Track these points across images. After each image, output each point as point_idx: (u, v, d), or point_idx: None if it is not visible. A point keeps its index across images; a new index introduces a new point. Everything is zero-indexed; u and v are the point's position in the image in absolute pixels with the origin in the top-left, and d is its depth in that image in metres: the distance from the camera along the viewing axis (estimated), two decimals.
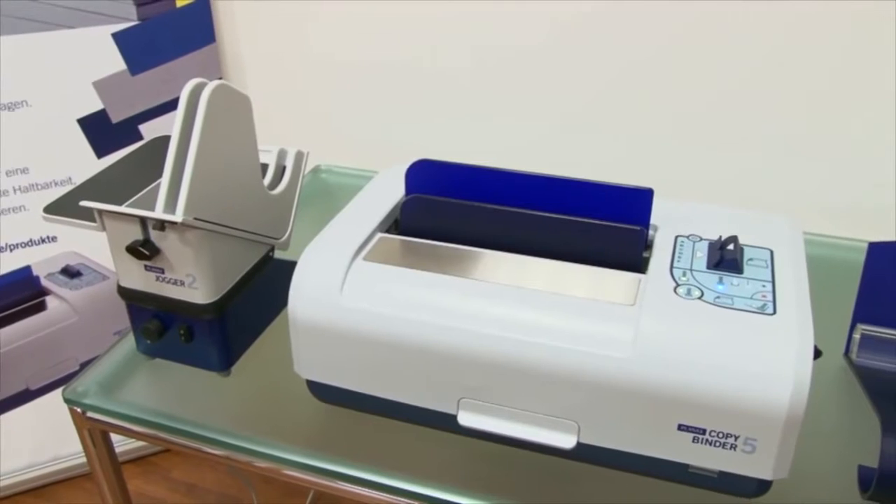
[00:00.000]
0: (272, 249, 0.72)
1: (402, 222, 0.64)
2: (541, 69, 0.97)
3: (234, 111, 0.63)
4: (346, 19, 1.03)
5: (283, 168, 0.73)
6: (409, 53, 1.02)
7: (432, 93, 1.03)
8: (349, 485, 0.60)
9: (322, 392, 0.62)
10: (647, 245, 0.60)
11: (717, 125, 0.92)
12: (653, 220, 0.61)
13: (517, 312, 0.54)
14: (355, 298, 0.57)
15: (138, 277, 0.64)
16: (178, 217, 0.58)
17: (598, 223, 0.59)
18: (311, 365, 0.61)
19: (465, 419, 0.57)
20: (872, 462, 0.56)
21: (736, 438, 0.51)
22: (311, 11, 1.04)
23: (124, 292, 0.66)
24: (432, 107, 1.04)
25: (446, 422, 0.58)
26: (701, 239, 0.60)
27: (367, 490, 0.59)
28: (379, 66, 1.05)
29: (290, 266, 0.60)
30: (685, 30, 0.89)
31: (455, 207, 0.62)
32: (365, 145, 1.10)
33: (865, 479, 0.56)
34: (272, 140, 0.75)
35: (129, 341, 0.71)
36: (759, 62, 0.88)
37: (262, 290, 0.70)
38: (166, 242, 0.61)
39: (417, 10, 0.98)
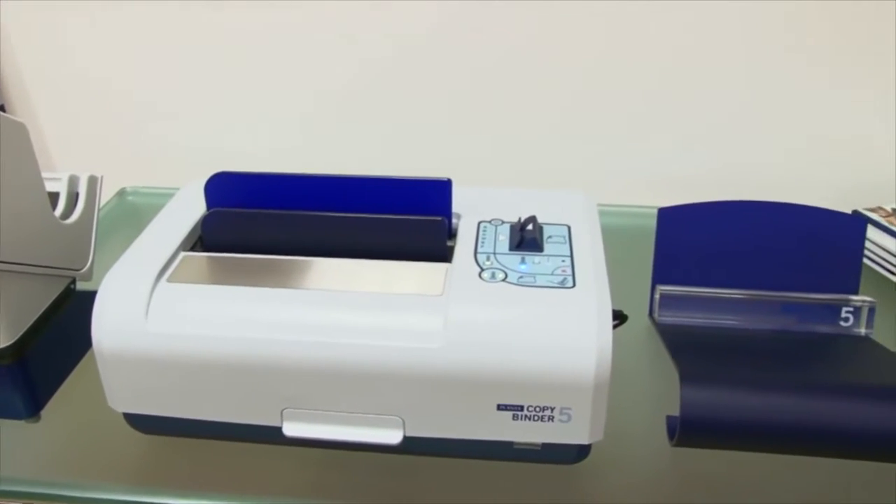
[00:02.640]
0: (74, 282, 0.68)
1: (204, 238, 0.63)
2: (341, 71, 0.97)
3: (8, 141, 0.59)
4: (134, 38, 0.98)
5: (77, 195, 0.70)
6: (217, 63, 0.99)
7: (243, 101, 1.01)
8: None
9: (140, 423, 0.60)
10: (452, 234, 0.62)
11: (510, 112, 0.96)
12: (456, 209, 0.63)
13: (327, 316, 0.54)
14: (162, 323, 0.55)
15: None
16: None
17: (399, 218, 0.60)
18: (124, 396, 0.58)
19: (291, 429, 0.56)
20: (678, 411, 0.60)
21: (552, 410, 0.53)
22: (95, 32, 0.99)
23: None
24: (245, 115, 1.02)
25: (272, 435, 0.57)
26: (503, 222, 0.62)
27: None
28: (179, 81, 1.01)
29: (94, 297, 0.57)
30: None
31: (257, 218, 0.61)
32: (173, 163, 1.07)
33: (672, 428, 0.60)
34: (74, 168, 0.71)
35: None
36: (546, 56, 0.92)
37: (66, 326, 0.66)
38: None
39: (220, 20, 0.96)
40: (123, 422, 0.60)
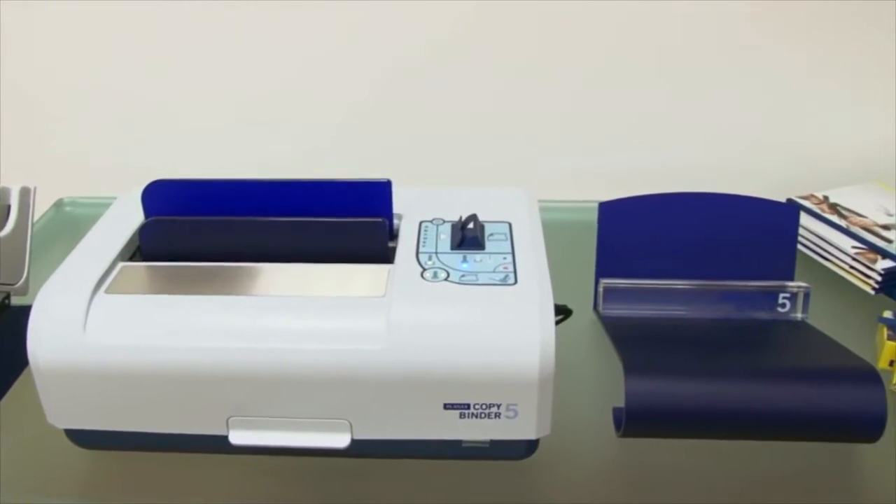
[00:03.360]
0: (8, 297, 0.67)
1: (143, 248, 0.62)
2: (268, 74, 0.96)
3: None
4: (64, 45, 0.96)
5: (8, 208, 0.68)
6: (150, 67, 0.97)
7: (183, 107, 1.00)
8: None
9: (83, 439, 0.58)
10: (394, 235, 0.62)
11: (447, 111, 0.96)
12: (397, 210, 0.63)
13: (270, 322, 0.54)
14: (100, 335, 0.54)
15: None
16: None
17: (339, 221, 0.59)
18: (64, 412, 0.57)
19: (237, 437, 0.56)
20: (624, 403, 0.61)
21: (499, 407, 0.54)
22: (30, 38, 0.97)
23: None
24: (187, 121, 1.00)
25: (219, 444, 0.56)
26: (444, 222, 0.63)
27: None
28: (116, 88, 0.99)
29: (30, 312, 0.56)
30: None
31: (196, 225, 0.60)
32: (112, 172, 1.04)
33: (618, 419, 0.60)
34: (13, 180, 0.69)
35: None
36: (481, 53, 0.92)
37: (0, 343, 0.65)
38: None
39: (158, 25, 0.94)
40: (65, 438, 0.59)
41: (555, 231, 0.77)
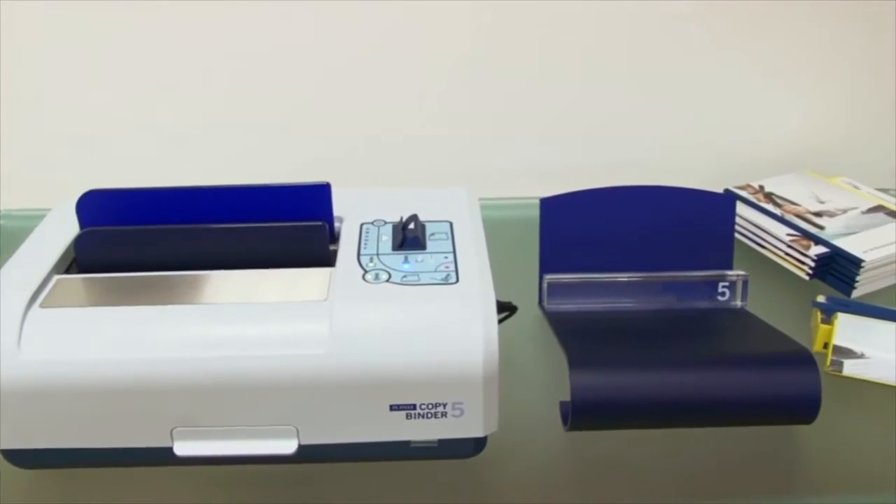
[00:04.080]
0: None
1: (78, 260, 0.60)
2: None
3: None
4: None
5: None
6: (83, 77, 0.95)
7: (120, 115, 0.98)
8: None
9: (22, 459, 0.57)
10: (335, 238, 0.62)
11: (384, 111, 0.96)
12: (338, 213, 0.63)
13: (210, 330, 0.53)
14: (36, 351, 0.53)
15: None
16: None
17: (278, 225, 0.59)
18: (1, 432, 0.55)
19: (182, 449, 0.55)
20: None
21: (445, 406, 0.54)
22: None
23: None
24: (124, 130, 0.98)
25: (163, 456, 0.55)
26: (385, 223, 0.63)
27: None
28: (48, 98, 0.97)
29: None
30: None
31: (132, 235, 0.59)
32: (47, 184, 1.02)
33: (565, 413, 0.61)
34: None
35: None
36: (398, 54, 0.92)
37: None
38: None
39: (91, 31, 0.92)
40: (2, 459, 0.57)
41: (498, 229, 0.78)
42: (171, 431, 0.54)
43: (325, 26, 0.90)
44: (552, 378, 0.66)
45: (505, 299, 0.69)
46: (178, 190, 0.60)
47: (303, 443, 0.55)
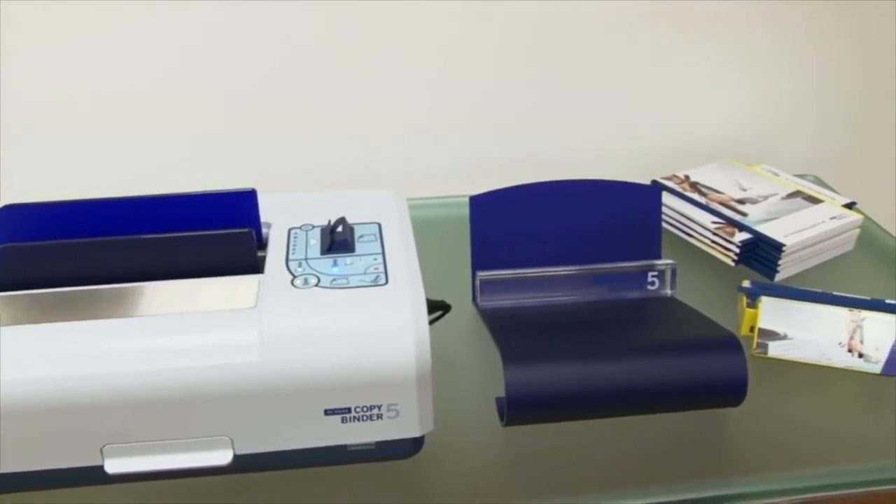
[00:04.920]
0: None
1: None
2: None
3: None
4: None
5: None
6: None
7: (35, 126, 0.95)
8: None
9: None
10: (263, 244, 0.61)
11: (309, 114, 0.95)
12: (266, 218, 0.62)
13: (138, 343, 0.52)
14: None
15: None
16: None
17: (204, 234, 0.58)
18: None
19: (113, 466, 0.54)
20: None
21: (380, 408, 0.54)
22: None
23: None
24: (41, 141, 0.96)
25: (94, 475, 0.54)
26: (313, 227, 0.62)
27: None
28: None
29: None
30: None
31: (52, 250, 0.58)
32: None
33: (501, 409, 0.62)
34: None
35: None
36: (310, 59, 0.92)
37: None
38: None
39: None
40: None
41: (430, 228, 0.78)
42: (102, 449, 0.53)
43: (242, 30, 0.89)
44: (488, 374, 0.67)
45: (439, 298, 0.69)
46: (99, 202, 0.59)
47: (238, 453, 0.54)
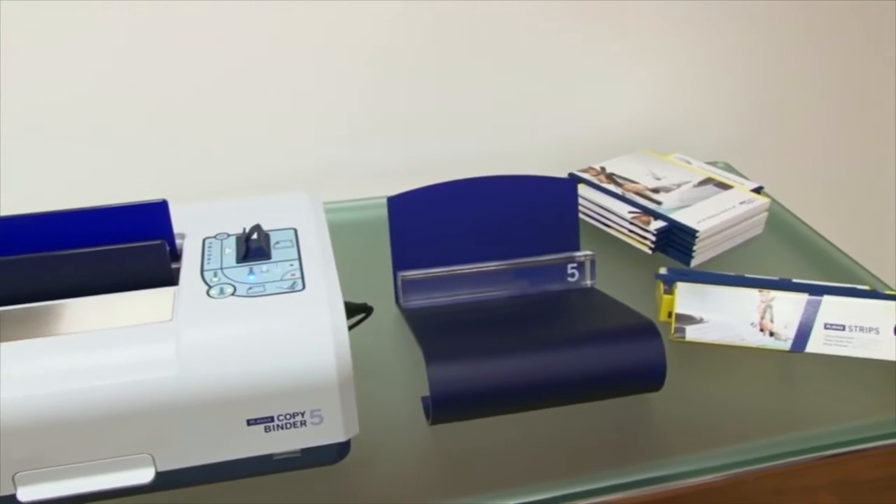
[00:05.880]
0: None
1: None
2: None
3: None
4: None
5: None
6: None
7: None
8: None
9: None
10: (177, 255, 0.60)
11: (217, 119, 0.94)
12: (180, 229, 0.61)
13: (50, 364, 0.50)
14: None
15: None
16: None
17: (114, 248, 0.57)
18: None
19: (26, 494, 0.52)
20: None
21: (303, 415, 0.53)
22: None
23: None
24: None
25: None
26: (228, 235, 0.61)
27: None
28: None
29: None
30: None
31: None
32: None
33: (427, 408, 0.62)
34: None
35: None
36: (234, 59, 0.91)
37: None
38: None
39: None
40: None
41: (349, 231, 0.78)
42: (13, 477, 0.51)
43: (159, 41, 0.87)
44: (413, 375, 0.67)
45: (362, 301, 0.69)
46: (6, 219, 0.57)
47: (160, 469, 0.53)
